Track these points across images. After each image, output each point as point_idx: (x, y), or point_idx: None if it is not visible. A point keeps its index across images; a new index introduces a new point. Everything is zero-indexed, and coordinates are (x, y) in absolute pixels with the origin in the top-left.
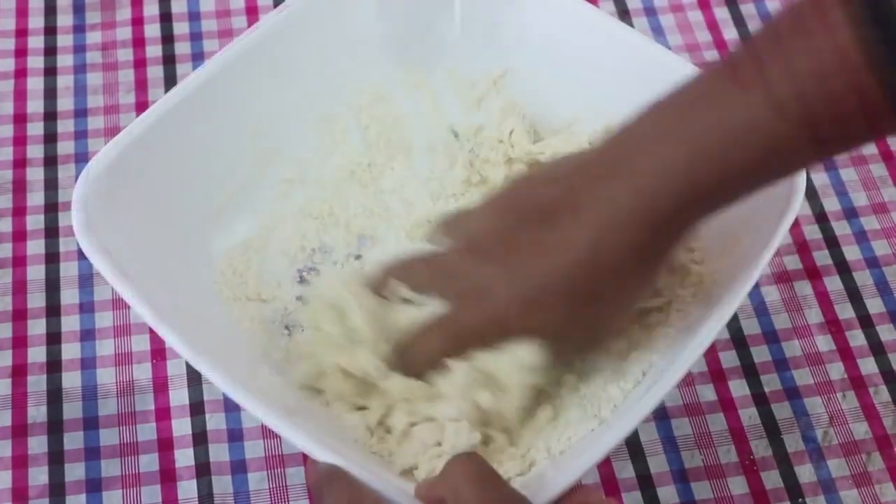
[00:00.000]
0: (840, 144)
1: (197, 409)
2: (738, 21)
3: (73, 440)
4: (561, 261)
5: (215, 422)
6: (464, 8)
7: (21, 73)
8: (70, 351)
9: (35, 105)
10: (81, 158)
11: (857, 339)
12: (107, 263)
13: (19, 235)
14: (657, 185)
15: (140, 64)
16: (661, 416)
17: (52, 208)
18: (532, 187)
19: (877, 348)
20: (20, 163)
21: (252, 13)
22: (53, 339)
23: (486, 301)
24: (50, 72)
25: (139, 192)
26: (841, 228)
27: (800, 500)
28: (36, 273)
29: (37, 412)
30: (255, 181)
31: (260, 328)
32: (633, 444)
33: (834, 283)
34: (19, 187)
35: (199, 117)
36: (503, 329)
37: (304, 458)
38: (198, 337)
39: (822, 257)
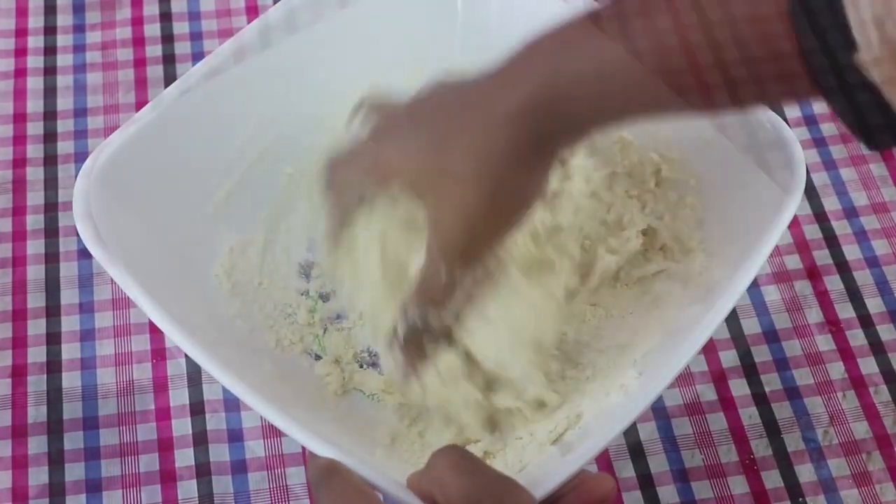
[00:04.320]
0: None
1: (197, 409)
2: None
3: (73, 440)
4: (465, 142)
5: (215, 422)
6: (465, 13)
7: (21, 73)
8: (70, 351)
9: (35, 104)
10: (81, 158)
11: (857, 338)
12: (107, 256)
13: (19, 235)
14: (531, 102)
15: (140, 63)
16: (662, 415)
17: (51, 208)
18: (437, 97)
19: (877, 348)
20: (20, 162)
21: (252, 13)
22: (53, 339)
23: (403, 144)
24: (50, 71)
25: (141, 184)
26: (841, 228)
27: (800, 499)
28: (36, 273)
29: (36, 412)
30: (258, 175)
31: (262, 321)
32: (633, 444)
33: (834, 283)
34: (19, 187)
35: (203, 111)
36: (415, 175)
37: (304, 455)
38: (200, 332)
39: (823, 257)
